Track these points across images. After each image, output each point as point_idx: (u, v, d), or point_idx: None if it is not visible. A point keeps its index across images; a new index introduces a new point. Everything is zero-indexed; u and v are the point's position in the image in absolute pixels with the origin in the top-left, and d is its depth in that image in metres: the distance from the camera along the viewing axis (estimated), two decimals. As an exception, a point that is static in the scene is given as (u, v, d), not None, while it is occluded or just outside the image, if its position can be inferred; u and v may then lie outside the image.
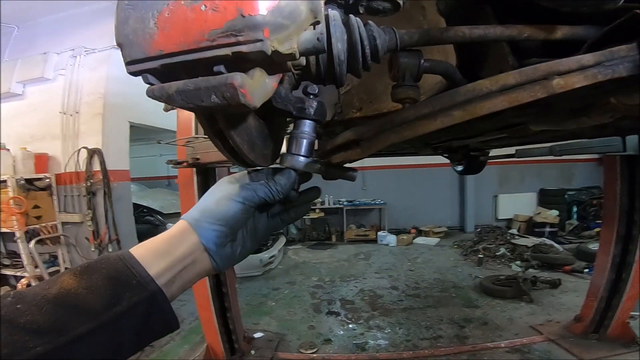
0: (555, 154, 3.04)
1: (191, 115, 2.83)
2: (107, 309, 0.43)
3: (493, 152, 2.93)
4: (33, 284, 3.74)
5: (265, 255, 6.45)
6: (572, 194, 8.47)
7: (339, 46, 0.55)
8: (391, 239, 8.29)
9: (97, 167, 4.06)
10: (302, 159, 0.61)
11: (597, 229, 6.61)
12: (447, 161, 2.90)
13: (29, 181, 3.97)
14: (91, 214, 4.05)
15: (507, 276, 5.20)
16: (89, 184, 4.03)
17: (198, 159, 2.66)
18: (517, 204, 8.89)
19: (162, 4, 0.43)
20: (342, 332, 4.14)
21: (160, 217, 7.12)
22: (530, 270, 5.64)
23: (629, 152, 3.11)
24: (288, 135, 0.65)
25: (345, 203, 8.89)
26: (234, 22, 0.41)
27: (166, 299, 0.50)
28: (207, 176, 3.06)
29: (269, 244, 6.87)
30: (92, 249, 4.00)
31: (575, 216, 8.20)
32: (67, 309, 0.41)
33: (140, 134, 4.60)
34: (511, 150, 3.17)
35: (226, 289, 3.28)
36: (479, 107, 0.55)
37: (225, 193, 0.57)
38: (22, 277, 3.92)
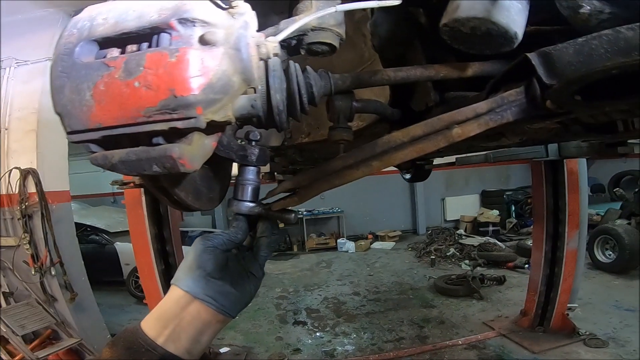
0: (490, 160, 3.40)
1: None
2: None
3: (437, 161, 3.25)
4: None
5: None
6: (509, 194, 9.29)
7: (278, 97, 0.57)
8: (350, 246, 8.49)
9: (32, 188, 3.68)
10: (246, 204, 0.67)
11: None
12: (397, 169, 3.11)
13: (-49, 206, 3.53)
14: (28, 238, 3.67)
15: (457, 275, 5.58)
16: (23, 207, 3.66)
17: (146, 179, 2.52)
18: (463, 206, 9.58)
19: (96, 76, 0.43)
20: (310, 341, 4.19)
21: (106, 237, 6.74)
22: (478, 268, 6.09)
23: (551, 158, 3.55)
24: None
25: (304, 213, 8.94)
26: (167, 101, 0.42)
27: (174, 357, 0.56)
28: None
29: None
30: (33, 273, 3.63)
31: (513, 214, 9.00)
32: None
33: (79, 148, 4.20)
34: (452, 158, 3.51)
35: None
36: (393, 157, 0.63)
37: (194, 247, 0.62)
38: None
